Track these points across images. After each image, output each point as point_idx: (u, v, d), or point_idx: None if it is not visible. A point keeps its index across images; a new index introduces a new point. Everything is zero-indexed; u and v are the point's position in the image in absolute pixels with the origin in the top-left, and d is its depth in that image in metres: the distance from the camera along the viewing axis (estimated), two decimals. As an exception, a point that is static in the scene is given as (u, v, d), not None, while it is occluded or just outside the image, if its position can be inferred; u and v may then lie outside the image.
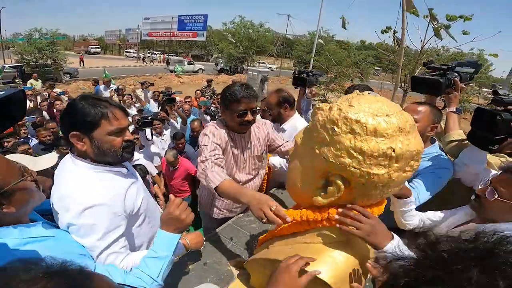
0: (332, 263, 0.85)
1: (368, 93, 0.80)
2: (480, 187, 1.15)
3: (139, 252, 1.10)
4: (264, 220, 1.00)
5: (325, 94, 14.86)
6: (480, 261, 0.40)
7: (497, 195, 1.05)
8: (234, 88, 1.54)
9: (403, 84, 5.28)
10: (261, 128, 1.81)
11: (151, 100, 6.01)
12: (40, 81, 10.14)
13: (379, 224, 0.86)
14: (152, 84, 6.83)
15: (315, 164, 0.82)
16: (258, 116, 2.19)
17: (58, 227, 1.01)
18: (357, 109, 0.72)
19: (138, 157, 3.44)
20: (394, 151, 0.69)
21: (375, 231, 0.85)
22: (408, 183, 1.46)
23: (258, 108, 1.66)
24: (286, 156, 1.87)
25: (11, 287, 0.39)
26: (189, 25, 34.02)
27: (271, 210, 0.99)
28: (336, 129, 0.73)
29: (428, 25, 4.26)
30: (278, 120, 2.37)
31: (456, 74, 1.54)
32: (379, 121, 0.70)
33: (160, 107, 5.06)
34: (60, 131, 4.37)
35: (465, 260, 0.40)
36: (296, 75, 2.88)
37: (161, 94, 6.04)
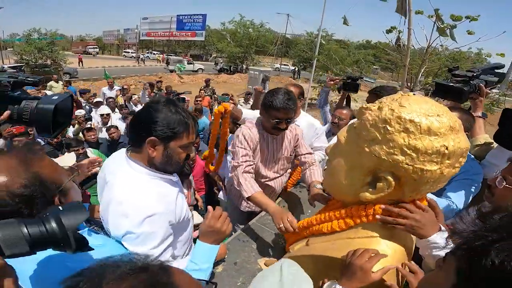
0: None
1: (414, 94, 0.84)
2: (492, 178, 1.20)
3: (178, 262, 1.08)
4: (281, 227, 1.31)
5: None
6: None
7: (505, 183, 1.10)
8: (277, 97, 1.61)
9: (409, 84, 5.34)
10: (293, 132, 1.88)
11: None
12: (60, 82, 9.66)
13: (425, 217, 0.89)
14: (153, 85, 6.88)
15: (363, 161, 0.85)
16: None
17: (97, 233, 0.99)
18: (409, 109, 0.76)
19: None
20: (447, 148, 0.73)
21: (420, 224, 0.88)
22: (443, 194, 1.51)
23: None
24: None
25: (101, 286, 0.41)
26: (188, 24, 33.93)
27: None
28: (389, 128, 0.76)
29: (434, 25, 4.29)
30: None
31: (483, 80, 1.57)
32: (432, 120, 0.74)
33: None
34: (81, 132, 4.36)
35: None
36: (345, 80, 2.92)
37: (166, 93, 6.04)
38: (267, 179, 1.87)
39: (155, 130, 0.97)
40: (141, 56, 34.09)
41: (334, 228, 1.03)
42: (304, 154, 1.91)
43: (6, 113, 0.97)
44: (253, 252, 1.59)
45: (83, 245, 0.64)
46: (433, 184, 0.80)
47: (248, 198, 1.57)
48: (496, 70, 1.70)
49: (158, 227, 0.96)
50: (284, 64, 32.10)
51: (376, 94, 1.97)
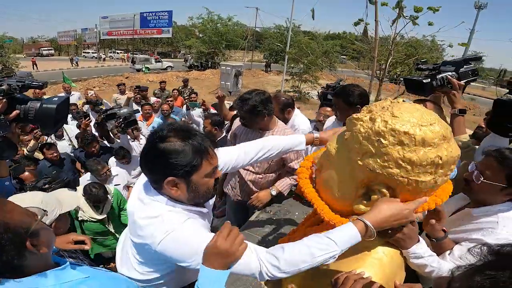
0: (379, 264, 0.88)
1: (403, 101, 0.83)
2: (467, 172, 1.19)
3: None
4: None
5: (299, 85, 15.09)
6: None
7: (482, 178, 1.10)
8: (241, 95, 1.83)
9: (378, 72, 5.55)
10: None
11: (133, 104, 5.69)
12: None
13: (411, 230, 0.90)
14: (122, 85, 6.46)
15: (356, 174, 0.83)
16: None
17: (80, 265, 0.97)
18: (402, 120, 0.74)
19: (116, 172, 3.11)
20: (441, 159, 0.73)
21: (405, 237, 0.89)
22: None
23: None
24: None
25: None
26: (153, 22, 32.44)
27: None
28: (383, 141, 0.74)
29: (397, 17, 4.46)
30: None
31: (453, 72, 1.49)
32: (425, 131, 0.72)
33: (97, 125, 3.69)
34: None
35: None
36: (325, 90, 2.72)
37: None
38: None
39: (171, 168, 0.87)
40: (74, 58, 28.80)
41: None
42: (294, 163, 1.95)
43: (15, 112, 1.10)
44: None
45: None
46: (426, 193, 0.80)
47: None
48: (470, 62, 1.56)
49: None
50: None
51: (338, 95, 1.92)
